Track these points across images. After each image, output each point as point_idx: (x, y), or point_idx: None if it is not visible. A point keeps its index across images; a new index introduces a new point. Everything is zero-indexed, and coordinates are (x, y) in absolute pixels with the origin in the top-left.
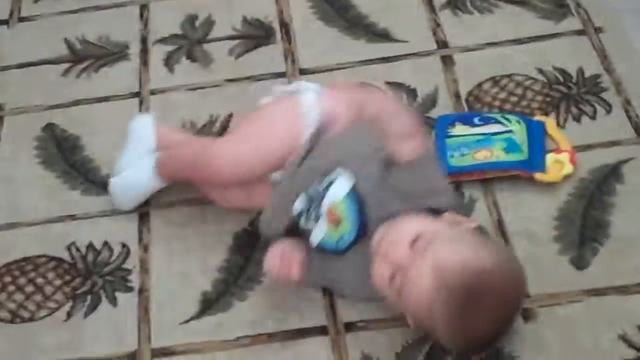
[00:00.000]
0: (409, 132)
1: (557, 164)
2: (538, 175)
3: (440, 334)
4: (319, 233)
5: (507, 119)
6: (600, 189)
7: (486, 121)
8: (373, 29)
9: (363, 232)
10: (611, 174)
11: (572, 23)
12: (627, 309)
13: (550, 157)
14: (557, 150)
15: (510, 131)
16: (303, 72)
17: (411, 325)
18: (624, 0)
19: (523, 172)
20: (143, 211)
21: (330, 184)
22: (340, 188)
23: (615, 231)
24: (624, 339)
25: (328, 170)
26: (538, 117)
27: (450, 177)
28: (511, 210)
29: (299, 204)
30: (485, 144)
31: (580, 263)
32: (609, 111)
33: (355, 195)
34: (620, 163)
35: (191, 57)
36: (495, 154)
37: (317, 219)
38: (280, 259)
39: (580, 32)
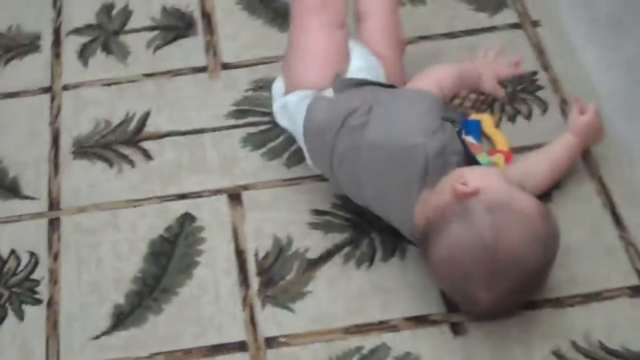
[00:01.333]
0: None
1: (493, 165)
2: None
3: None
4: None
5: None
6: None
7: None
8: None
9: None
10: None
11: (508, 16)
12: (561, 323)
13: (483, 159)
14: (492, 151)
15: None
16: (225, 66)
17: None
18: None
19: None
20: (53, 217)
21: None
22: None
23: None
24: (557, 354)
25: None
26: (474, 116)
27: None
28: None
29: None
30: None
31: None
32: (545, 111)
33: None
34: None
35: (107, 50)
36: None
37: None
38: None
39: (516, 26)
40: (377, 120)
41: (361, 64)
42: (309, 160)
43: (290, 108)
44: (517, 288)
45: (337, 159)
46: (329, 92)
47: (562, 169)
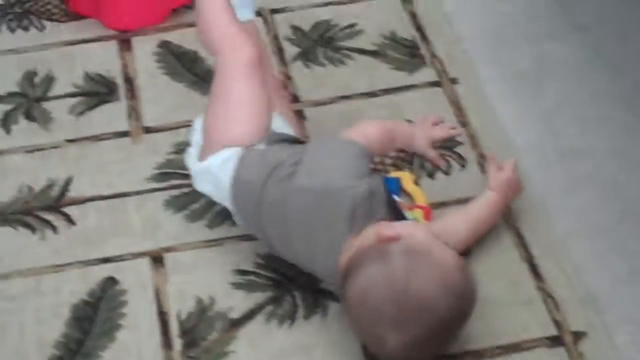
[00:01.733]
0: None
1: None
2: None
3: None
4: None
5: None
6: None
7: None
8: None
9: None
10: None
11: (427, 74)
12: None
13: (405, 214)
14: (412, 207)
15: None
16: (147, 130)
17: None
18: (479, 50)
19: None
20: None
21: None
22: None
23: None
24: None
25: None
26: (393, 174)
27: None
28: None
29: None
30: None
31: None
32: (463, 166)
33: None
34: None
35: (30, 117)
36: None
37: None
38: None
39: (435, 84)
40: (307, 166)
41: (279, 123)
42: (237, 220)
43: (212, 171)
44: (426, 336)
45: (265, 211)
46: (260, 146)
47: (484, 227)
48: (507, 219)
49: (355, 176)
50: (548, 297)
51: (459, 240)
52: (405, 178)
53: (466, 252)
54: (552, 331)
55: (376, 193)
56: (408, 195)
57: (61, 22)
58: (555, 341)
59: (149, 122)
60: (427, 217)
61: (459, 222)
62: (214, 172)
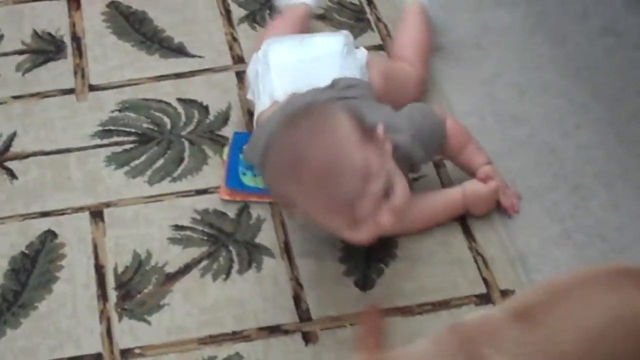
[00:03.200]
0: None
1: None
2: None
3: None
4: None
5: None
6: None
7: None
8: (168, 43)
9: None
10: None
11: (372, 38)
12: (410, 330)
13: None
14: None
15: None
16: (93, 88)
17: None
18: None
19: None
20: None
21: None
22: None
23: (401, 251)
24: None
25: None
26: None
27: (239, 194)
28: (298, 231)
29: None
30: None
31: (365, 284)
32: None
33: None
34: (412, 180)
35: None
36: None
37: None
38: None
39: (379, 47)
40: None
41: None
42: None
43: None
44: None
45: None
46: None
47: (430, 220)
48: (441, 179)
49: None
50: (478, 255)
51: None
52: None
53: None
54: (481, 289)
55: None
56: None
57: None
58: (483, 299)
59: (94, 80)
60: None
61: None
62: None
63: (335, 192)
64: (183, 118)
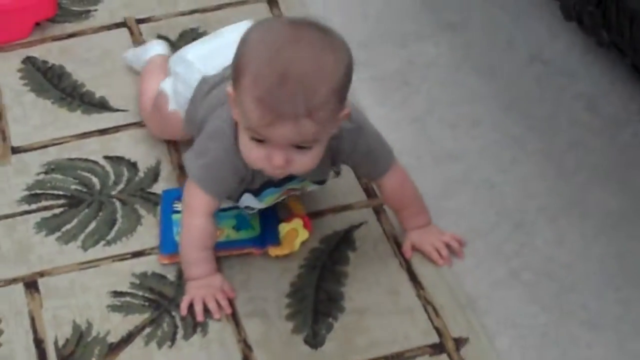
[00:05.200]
0: None
1: (292, 232)
2: (272, 250)
3: None
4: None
5: None
6: (332, 258)
7: None
8: (89, 98)
9: None
10: (342, 241)
11: None
12: None
13: (283, 227)
14: (289, 218)
15: (238, 207)
16: (15, 150)
17: None
18: None
19: (256, 250)
20: None
21: None
22: None
23: (348, 303)
24: None
25: None
26: None
27: (177, 257)
28: (241, 290)
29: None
30: None
31: (314, 341)
32: (338, 173)
33: None
34: (352, 228)
35: None
36: (225, 232)
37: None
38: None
39: None
40: None
41: None
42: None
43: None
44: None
45: None
46: None
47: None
48: (384, 228)
49: None
50: (428, 304)
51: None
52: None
53: (345, 261)
54: (434, 338)
55: None
56: (286, 207)
57: None
58: (437, 348)
59: (16, 141)
60: (307, 226)
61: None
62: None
63: (289, 93)
64: (112, 177)
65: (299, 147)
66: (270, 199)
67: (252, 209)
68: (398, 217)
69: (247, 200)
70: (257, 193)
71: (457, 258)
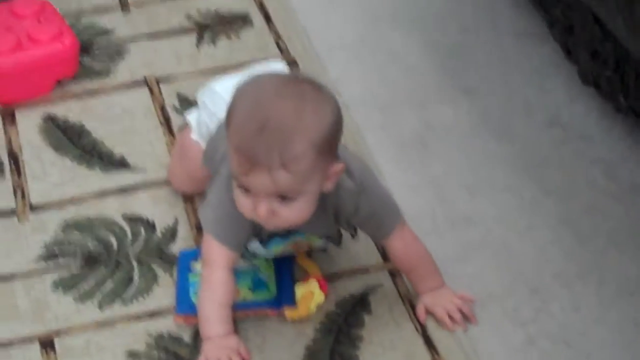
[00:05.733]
0: None
1: (308, 294)
2: (288, 313)
3: None
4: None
5: (252, 254)
6: (348, 321)
7: None
8: (109, 156)
9: None
10: (358, 304)
11: None
12: None
13: (299, 288)
14: (305, 279)
15: (255, 268)
16: (34, 208)
17: None
18: (365, 116)
19: (272, 311)
20: None
21: None
22: None
23: None
24: None
25: None
26: None
27: (193, 318)
28: (257, 352)
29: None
30: None
31: None
32: (354, 235)
33: None
34: (368, 291)
35: None
36: (241, 293)
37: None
38: None
39: None
40: None
41: None
42: None
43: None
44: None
45: None
46: None
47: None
48: (400, 291)
49: None
50: None
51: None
52: (299, 252)
53: (360, 324)
54: None
55: None
56: (301, 268)
57: None
58: None
59: (35, 199)
60: (323, 288)
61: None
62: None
63: (264, 143)
64: (129, 236)
65: (283, 198)
66: (276, 249)
67: (263, 256)
68: (409, 278)
69: (255, 247)
70: (264, 242)
71: (470, 323)
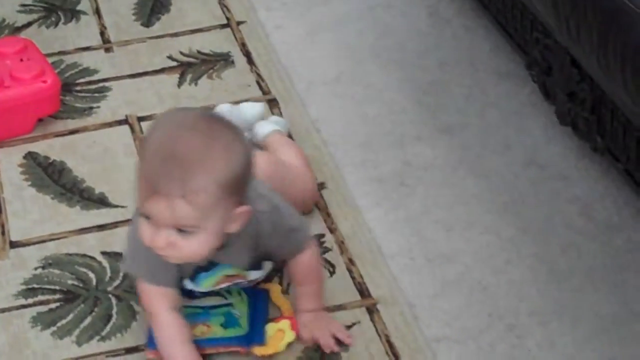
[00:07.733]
0: None
1: (279, 333)
2: (257, 349)
3: None
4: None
5: (227, 291)
6: (325, 358)
7: (206, 293)
8: (89, 194)
9: None
10: (335, 341)
11: None
12: None
13: (271, 327)
14: (278, 319)
15: (229, 304)
16: (14, 244)
17: None
18: (345, 154)
19: (241, 349)
20: None
21: None
22: None
23: None
24: None
25: None
26: (263, 285)
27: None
28: None
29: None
30: (203, 318)
31: None
32: (332, 273)
33: None
34: (346, 329)
35: None
36: (212, 329)
37: None
38: None
39: None
40: None
41: None
42: None
43: None
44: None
45: None
46: None
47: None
48: (377, 327)
49: None
50: None
51: None
52: (274, 289)
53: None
54: None
55: None
56: (276, 306)
57: None
58: None
59: (15, 236)
60: (294, 327)
61: None
62: None
63: (167, 171)
64: (108, 272)
65: (182, 231)
66: (206, 283)
67: (200, 292)
68: (298, 292)
69: (188, 284)
70: (192, 278)
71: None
